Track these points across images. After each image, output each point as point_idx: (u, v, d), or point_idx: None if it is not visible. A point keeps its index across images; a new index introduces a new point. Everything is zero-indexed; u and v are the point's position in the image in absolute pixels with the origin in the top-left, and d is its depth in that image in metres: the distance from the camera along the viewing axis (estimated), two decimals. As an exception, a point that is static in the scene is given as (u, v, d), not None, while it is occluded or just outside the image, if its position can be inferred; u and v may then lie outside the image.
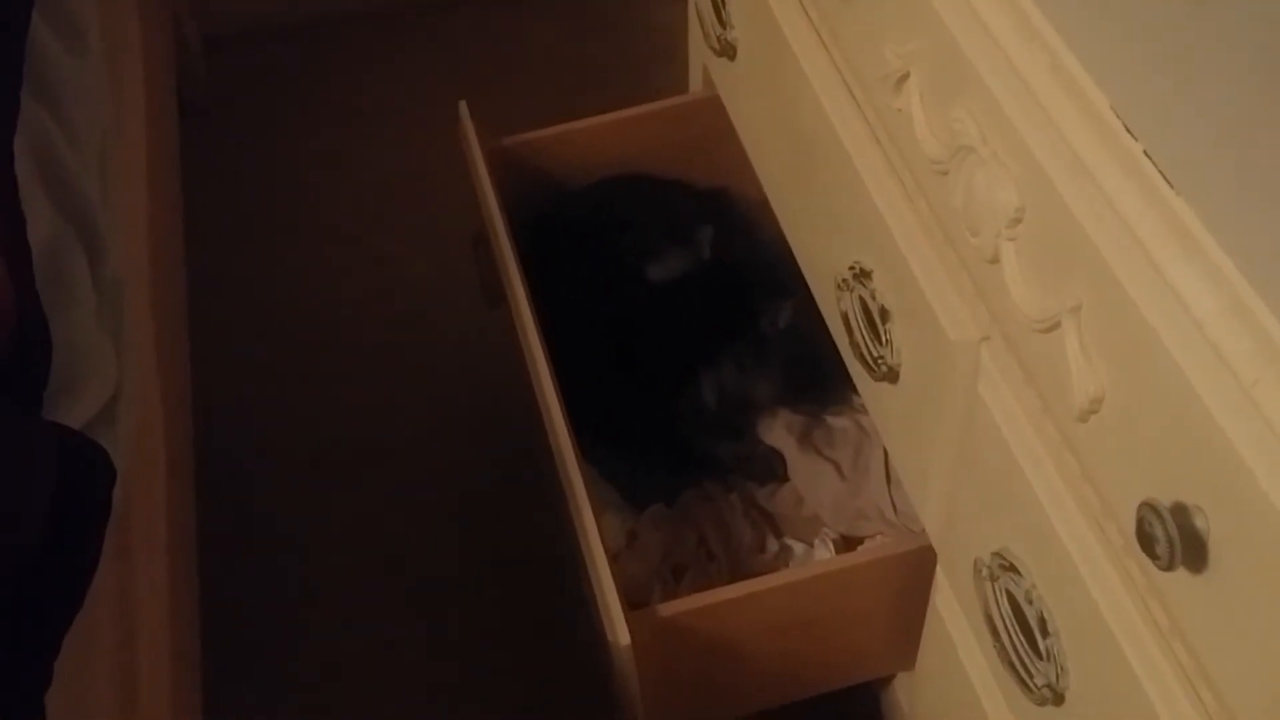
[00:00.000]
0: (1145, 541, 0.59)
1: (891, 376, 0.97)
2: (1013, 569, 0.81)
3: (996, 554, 0.83)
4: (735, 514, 1.25)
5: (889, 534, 1.21)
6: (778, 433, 1.29)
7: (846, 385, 1.33)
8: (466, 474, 1.52)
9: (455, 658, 1.40)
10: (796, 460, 1.28)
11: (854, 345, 1.01)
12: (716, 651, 1.06)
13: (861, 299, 0.99)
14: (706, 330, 1.25)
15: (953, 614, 0.98)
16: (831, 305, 1.05)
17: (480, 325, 1.54)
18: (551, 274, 1.32)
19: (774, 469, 1.29)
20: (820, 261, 1.08)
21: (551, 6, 2.01)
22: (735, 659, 1.08)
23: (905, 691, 1.19)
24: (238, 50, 1.99)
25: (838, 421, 1.30)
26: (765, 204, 1.30)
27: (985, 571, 0.84)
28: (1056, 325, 0.69)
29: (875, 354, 0.97)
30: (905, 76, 0.83)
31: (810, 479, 1.27)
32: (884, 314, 0.96)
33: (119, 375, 0.99)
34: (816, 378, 1.31)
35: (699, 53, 1.41)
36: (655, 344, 1.26)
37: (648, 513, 1.24)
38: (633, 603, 1.15)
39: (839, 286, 1.02)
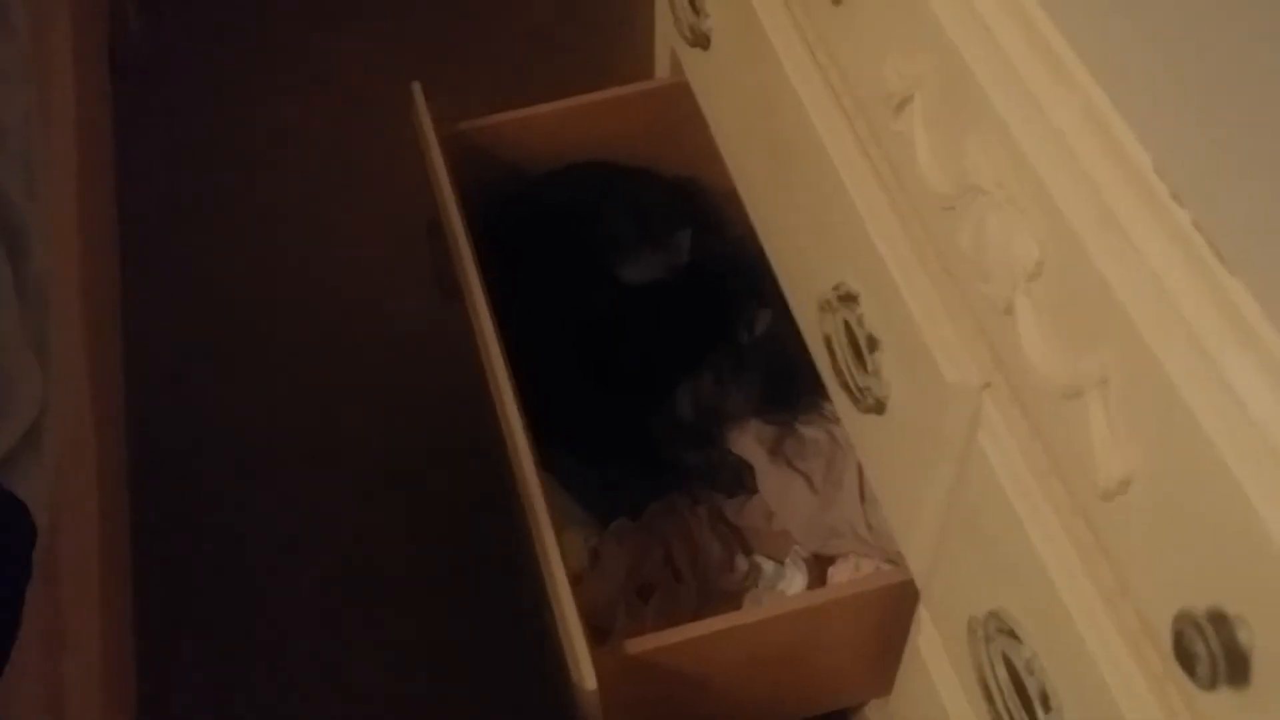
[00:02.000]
0: (1185, 658, 0.54)
1: (878, 408, 0.91)
2: (1011, 634, 0.76)
3: (993, 614, 0.78)
4: (702, 528, 1.19)
5: (863, 553, 1.16)
6: (747, 443, 1.23)
7: (819, 392, 1.28)
8: (419, 473, 1.45)
9: (405, 668, 1.34)
10: (766, 472, 1.22)
11: (837, 371, 0.95)
12: (684, 687, 1.01)
13: (846, 323, 0.93)
14: (682, 337, 1.19)
15: (935, 656, 0.93)
16: (813, 326, 0.99)
17: (436, 315, 1.46)
18: (511, 267, 1.25)
19: (742, 480, 1.24)
20: (801, 278, 1.02)
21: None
22: (704, 694, 1.03)
23: (879, 715, 1.15)
24: (178, 5, 1.89)
25: (809, 431, 1.25)
26: (737, 196, 1.23)
27: (981, 632, 0.79)
28: (1079, 394, 0.63)
29: (861, 384, 0.91)
30: (908, 99, 0.77)
31: (780, 492, 1.22)
32: (872, 343, 0.89)
33: (45, 390, 0.91)
34: (791, 386, 1.25)
35: (667, 37, 1.33)
36: (626, 348, 1.19)
37: (611, 528, 1.18)
38: (596, 627, 1.10)
39: (821, 308, 0.96)
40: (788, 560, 1.18)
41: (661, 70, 1.37)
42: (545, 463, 1.17)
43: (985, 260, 0.70)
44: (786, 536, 1.20)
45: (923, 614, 0.95)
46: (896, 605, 0.97)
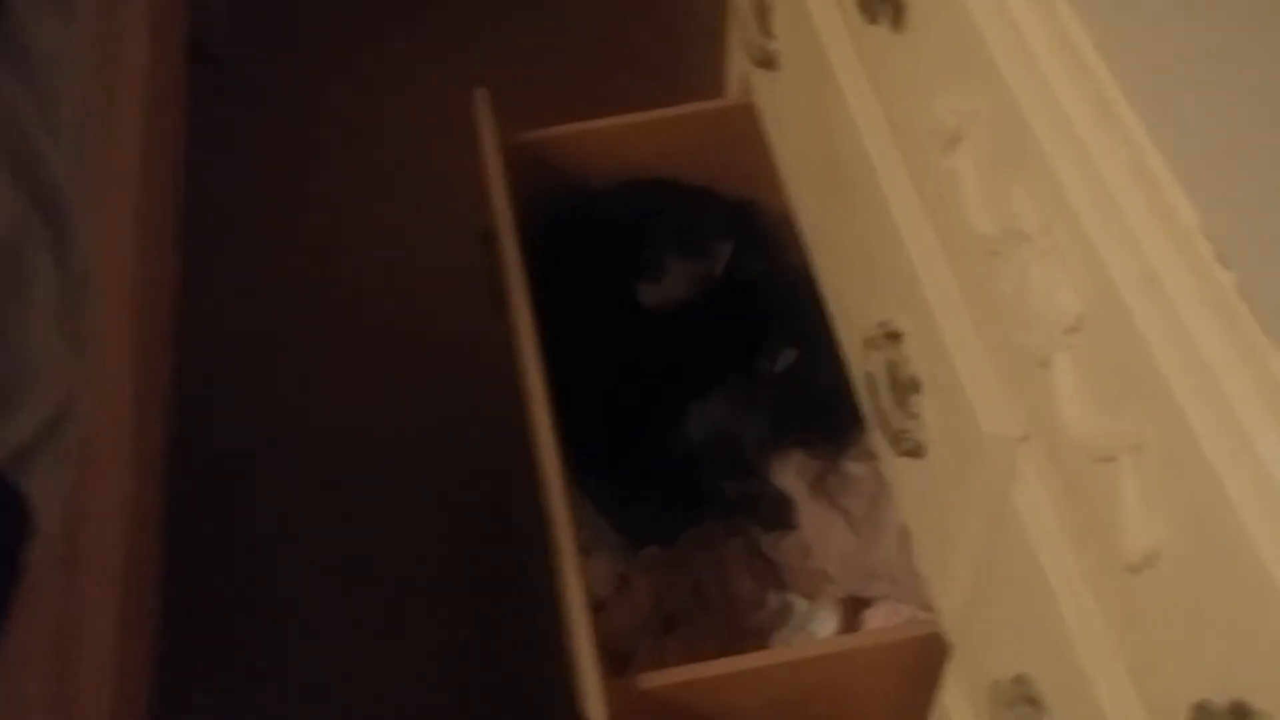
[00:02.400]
0: (1198, 753, 0.50)
1: (915, 451, 0.87)
2: (1034, 702, 0.73)
3: (1018, 679, 0.74)
4: (736, 560, 1.16)
5: (900, 599, 1.12)
6: (789, 476, 1.20)
7: (863, 427, 1.25)
8: (453, 484, 1.44)
9: (425, 678, 1.32)
10: (807, 507, 1.19)
11: (878, 411, 0.92)
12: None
13: (890, 363, 0.90)
14: (710, 357, 1.16)
15: (962, 716, 0.90)
16: (858, 362, 0.96)
17: (486, 326, 1.45)
18: (560, 283, 1.24)
19: (782, 515, 1.20)
20: (849, 311, 0.99)
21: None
22: (721, 734, 1.00)
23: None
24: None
25: (855, 468, 1.21)
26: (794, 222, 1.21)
27: (1004, 697, 0.75)
28: (1113, 458, 0.60)
29: (900, 426, 0.88)
30: (959, 137, 0.74)
31: (819, 529, 1.18)
32: (914, 384, 0.86)
33: (72, 382, 0.90)
34: (833, 416, 1.21)
35: (738, 57, 1.31)
36: (659, 367, 1.17)
37: (641, 555, 1.16)
38: (616, 655, 1.07)
39: (866, 344, 0.93)
40: (821, 600, 1.14)
41: (733, 90, 1.35)
42: (581, 484, 1.15)
43: (1026, 309, 0.67)
44: (823, 576, 1.17)
45: (951, 670, 0.92)
46: (926, 658, 0.94)
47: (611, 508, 1.18)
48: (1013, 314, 0.69)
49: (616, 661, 1.01)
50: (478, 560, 1.38)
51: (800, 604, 1.15)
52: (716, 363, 1.18)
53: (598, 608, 0.97)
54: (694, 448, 1.19)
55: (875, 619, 1.13)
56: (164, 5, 1.43)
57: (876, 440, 0.95)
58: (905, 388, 0.87)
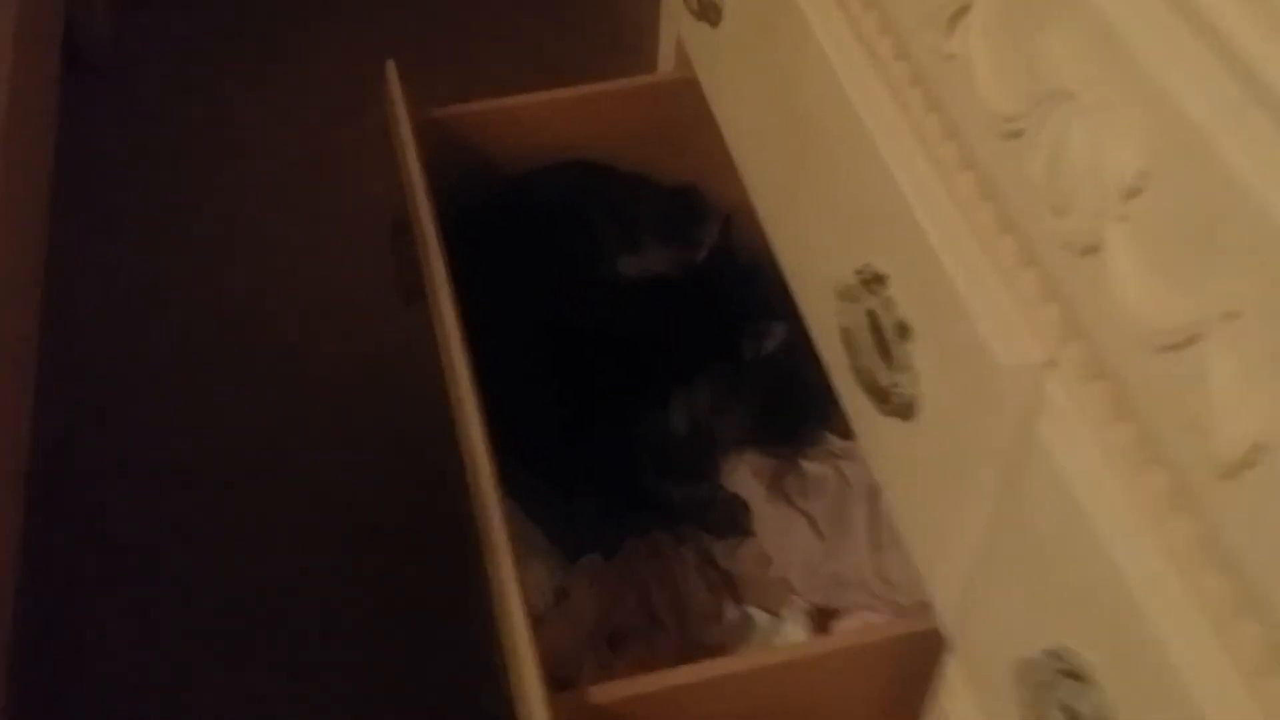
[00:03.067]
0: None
1: (905, 410, 0.76)
2: (1075, 676, 0.60)
3: (1052, 653, 0.62)
4: (687, 571, 1.03)
5: (873, 608, 1.00)
6: (743, 477, 1.08)
7: (824, 424, 1.13)
8: (366, 503, 1.29)
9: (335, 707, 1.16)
10: (764, 511, 1.06)
11: (857, 370, 0.80)
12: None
13: (871, 312, 0.78)
14: (678, 343, 1.04)
15: (966, 717, 0.77)
16: (828, 320, 0.84)
17: (393, 330, 1.32)
18: (483, 269, 1.10)
19: (736, 520, 1.07)
20: (816, 267, 0.87)
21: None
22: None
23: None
24: (151, 6, 1.76)
25: (814, 467, 1.09)
26: (741, 208, 1.09)
27: (1034, 677, 0.62)
28: (1194, 339, 0.48)
29: (887, 381, 0.76)
30: (964, 8, 0.63)
31: (779, 535, 1.06)
32: (902, 330, 0.74)
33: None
34: (794, 413, 1.09)
35: (672, 23, 1.20)
36: (613, 353, 1.04)
37: (580, 565, 1.02)
38: (558, 679, 0.93)
39: (841, 296, 0.81)
40: (785, 611, 1.01)
41: (665, 65, 1.24)
42: (510, 488, 1.01)
43: (1064, 186, 0.55)
44: (785, 585, 1.04)
45: (950, 667, 0.79)
46: (916, 658, 0.81)
47: (544, 513, 1.04)
48: (1043, 200, 0.57)
49: (558, 683, 0.87)
50: (393, 585, 1.23)
51: (761, 617, 1.02)
52: (688, 352, 1.05)
53: (534, 622, 0.83)
54: (669, 445, 1.06)
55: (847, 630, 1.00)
56: (32, 12, 1.29)
57: (855, 406, 0.83)
58: (892, 335, 0.75)
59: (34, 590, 1.06)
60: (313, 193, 1.57)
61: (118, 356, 1.42)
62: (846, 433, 1.12)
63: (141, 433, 1.36)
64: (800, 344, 1.11)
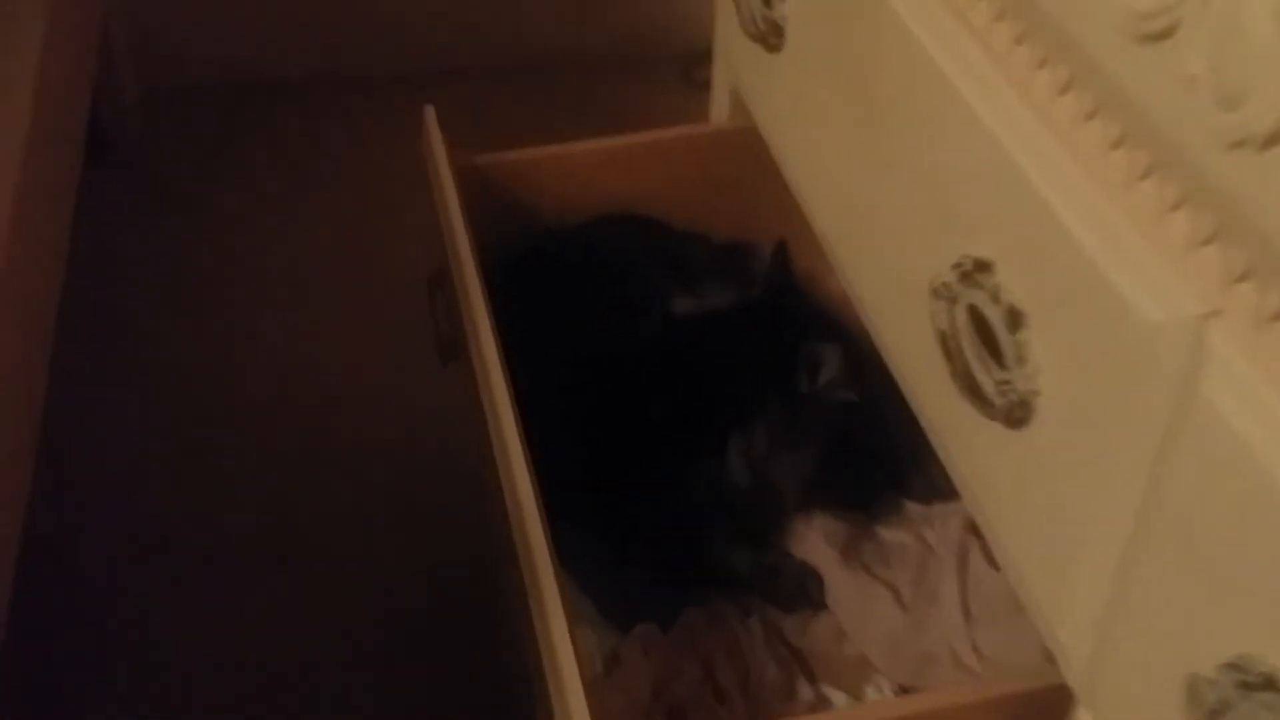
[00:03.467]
0: None
1: (1017, 412, 0.65)
2: (1268, 686, 0.48)
3: (1233, 665, 0.50)
4: (754, 644, 0.91)
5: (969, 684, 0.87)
6: (814, 543, 0.96)
7: (899, 489, 1.02)
8: (398, 589, 1.18)
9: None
10: (839, 581, 0.95)
11: (957, 374, 0.70)
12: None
13: (972, 308, 0.68)
14: (736, 383, 0.94)
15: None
16: (920, 327, 0.74)
17: (421, 412, 1.24)
18: (523, 324, 1.01)
19: (808, 592, 0.96)
20: (902, 276, 0.77)
21: (551, 88, 1.74)
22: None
23: None
24: (184, 104, 1.72)
25: (893, 535, 0.98)
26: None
27: (1215, 695, 0.51)
28: None
29: (997, 379, 0.66)
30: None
31: (857, 607, 0.94)
32: (1014, 318, 0.64)
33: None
34: (863, 465, 0.99)
35: (726, 74, 1.13)
36: (664, 400, 0.94)
37: (635, 633, 0.90)
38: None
39: (935, 294, 0.71)
40: (868, 691, 0.89)
41: (719, 116, 1.16)
42: (559, 556, 0.90)
43: (1238, 72, 0.46)
44: (864, 665, 0.92)
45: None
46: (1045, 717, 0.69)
47: (594, 579, 0.93)
48: (1205, 101, 0.48)
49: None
50: (427, 688, 1.11)
51: (839, 698, 0.89)
52: (738, 389, 0.95)
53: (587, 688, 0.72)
54: (731, 496, 0.95)
55: (937, 712, 0.87)
56: (50, 108, 1.24)
57: (947, 422, 0.73)
58: (1002, 327, 0.65)
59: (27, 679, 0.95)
60: (342, 283, 1.50)
61: (135, 445, 1.33)
62: (926, 499, 1.01)
63: (157, 520, 1.26)
64: (866, 403, 1.02)
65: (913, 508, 1.00)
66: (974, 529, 0.96)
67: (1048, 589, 0.68)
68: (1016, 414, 0.65)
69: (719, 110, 1.16)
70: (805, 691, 0.89)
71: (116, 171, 1.61)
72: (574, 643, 0.72)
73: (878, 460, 1.00)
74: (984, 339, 0.68)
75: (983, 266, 0.67)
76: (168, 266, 1.52)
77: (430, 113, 1.10)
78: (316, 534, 1.23)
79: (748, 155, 1.08)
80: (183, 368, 1.41)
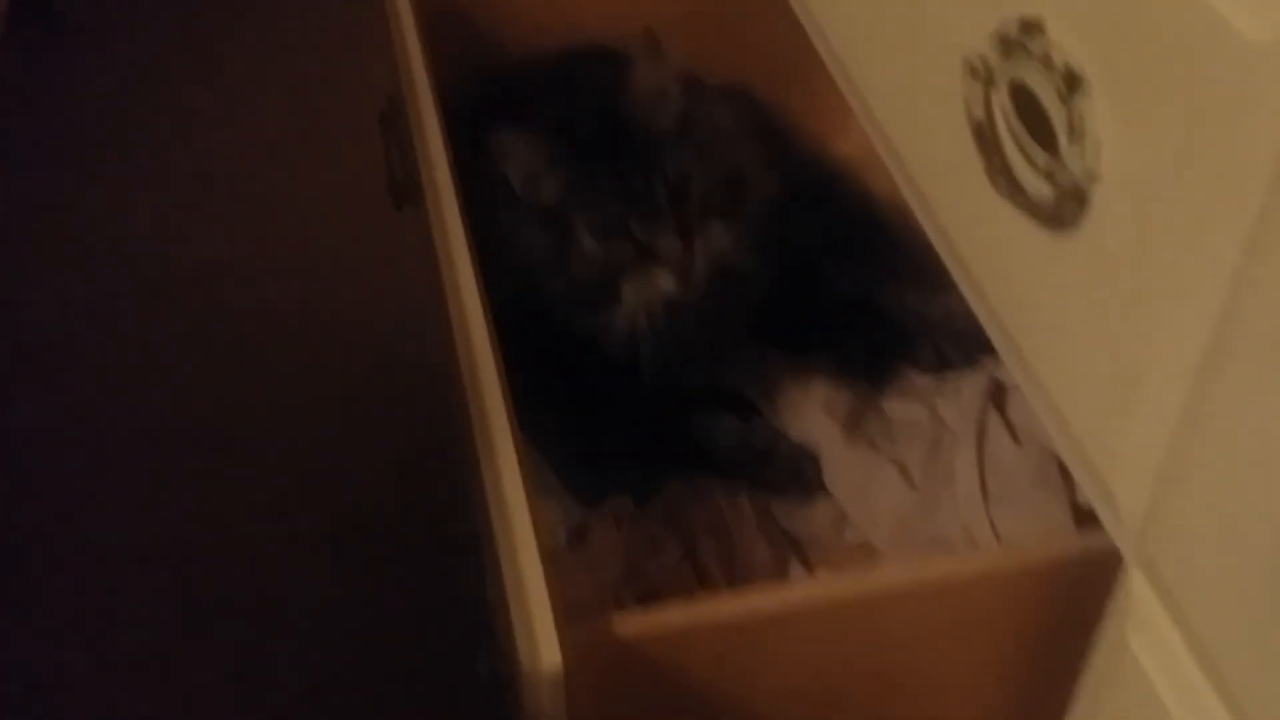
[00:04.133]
0: None
1: (1069, 204, 0.53)
2: None
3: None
4: (743, 521, 0.79)
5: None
6: (813, 415, 0.84)
7: (909, 359, 0.90)
8: (345, 482, 1.06)
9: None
10: (840, 457, 0.83)
11: (995, 171, 0.58)
12: (709, 709, 0.59)
13: (1015, 86, 0.56)
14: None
15: (1167, 656, 0.52)
16: (950, 125, 0.62)
17: (379, 264, 1.12)
18: (483, 173, 0.88)
19: (804, 476, 0.84)
20: (930, 62, 0.65)
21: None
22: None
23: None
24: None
25: (901, 408, 0.86)
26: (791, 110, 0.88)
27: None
28: None
29: (1045, 167, 0.54)
30: None
31: (860, 487, 0.82)
32: (1070, 83, 0.52)
33: None
34: (872, 335, 0.87)
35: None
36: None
37: (607, 505, 0.78)
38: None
39: (972, 74, 0.59)
40: (872, 576, 0.77)
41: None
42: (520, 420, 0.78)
43: None
44: (866, 553, 0.80)
45: (1139, 593, 0.55)
46: (1084, 587, 0.57)
47: (562, 456, 0.81)
48: None
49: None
50: (373, 572, 1.00)
51: (838, 584, 0.77)
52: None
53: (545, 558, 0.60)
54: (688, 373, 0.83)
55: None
56: None
57: (988, 232, 0.60)
58: (1054, 100, 0.53)
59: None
60: (304, 152, 1.38)
61: (63, 319, 1.21)
62: (938, 370, 0.89)
63: (91, 403, 1.14)
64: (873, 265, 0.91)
65: (923, 380, 0.88)
66: (994, 400, 0.84)
67: (1099, 429, 0.56)
68: (1068, 207, 0.53)
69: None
70: (799, 575, 0.77)
71: (69, 46, 1.50)
72: (531, 507, 0.60)
73: (885, 325, 0.88)
74: (1029, 126, 0.56)
75: (1030, 28, 0.55)
76: (112, 134, 1.41)
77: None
78: (258, 415, 1.11)
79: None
80: (122, 238, 1.29)
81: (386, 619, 0.98)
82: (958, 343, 0.89)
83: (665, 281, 0.78)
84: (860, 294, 0.91)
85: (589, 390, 0.82)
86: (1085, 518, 0.76)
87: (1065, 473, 0.79)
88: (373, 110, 1.00)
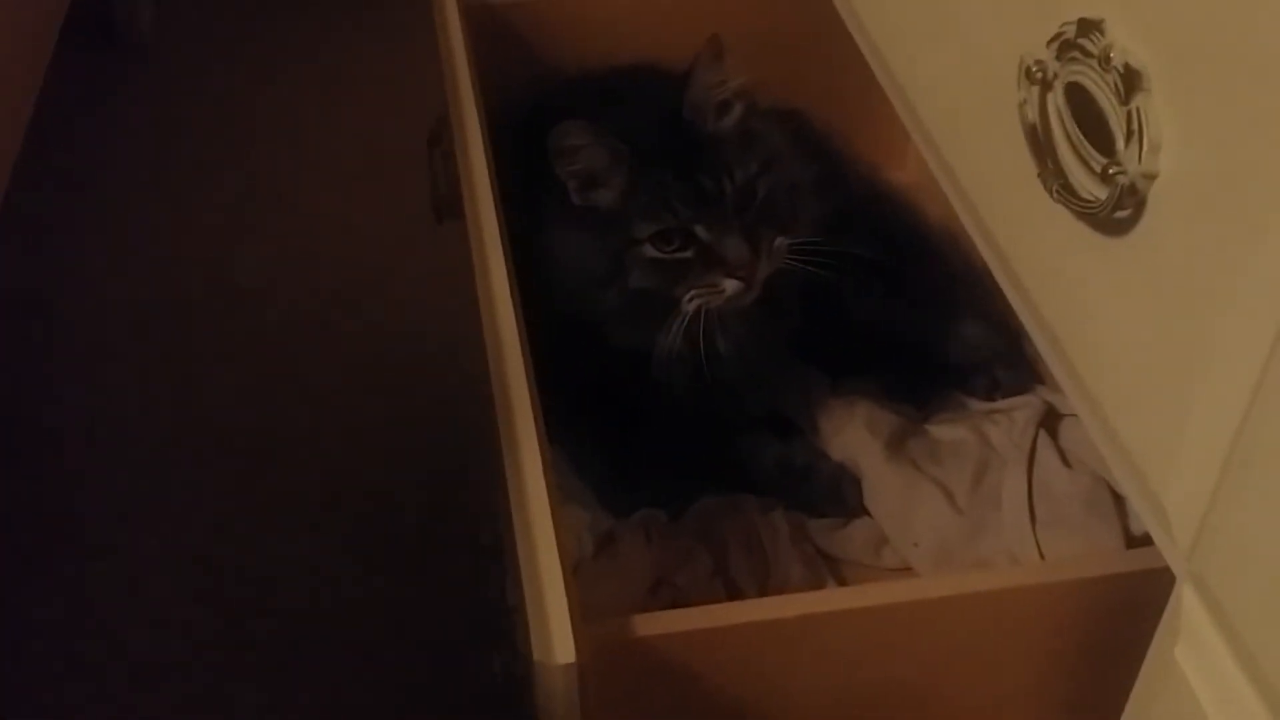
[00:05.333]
0: None
1: (1125, 206, 0.51)
2: None
3: None
4: (778, 539, 0.77)
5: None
6: (854, 432, 0.82)
7: (963, 388, 0.88)
8: (380, 494, 1.05)
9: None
10: (882, 477, 0.81)
11: (1048, 174, 0.56)
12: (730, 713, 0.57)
13: (1073, 85, 0.54)
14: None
15: (1214, 674, 0.50)
16: (1003, 131, 0.60)
17: (423, 290, 1.11)
18: (527, 188, 0.88)
19: (842, 496, 0.82)
20: (984, 69, 0.63)
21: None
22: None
23: None
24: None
25: (948, 431, 0.84)
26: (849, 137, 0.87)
27: None
28: None
29: (1103, 167, 0.52)
30: None
31: (902, 507, 0.80)
32: (1129, 81, 0.51)
33: None
34: (922, 364, 0.85)
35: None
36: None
37: (636, 517, 0.77)
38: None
39: (1028, 77, 0.57)
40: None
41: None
42: (555, 438, 0.77)
43: None
44: (904, 575, 0.78)
45: (1191, 614, 0.52)
46: (1135, 607, 0.55)
47: (594, 467, 0.80)
48: None
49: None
50: (398, 582, 0.99)
51: (875, 607, 0.75)
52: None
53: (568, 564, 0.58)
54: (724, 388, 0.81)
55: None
56: None
57: (1040, 243, 0.59)
58: (1113, 99, 0.51)
59: None
60: (353, 171, 1.38)
61: (113, 326, 1.22)
62: (989, 396, 0.87)
63: (124, 403, 1.14)
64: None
65: (973, 404, 0.86)
66: (1045, 426, 0.82)
67: (1152, 442, 0.53)
68: (1124, 209, 0.51)
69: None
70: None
71: (126, 56, 1.52)
72: (554, 511, 0.58)
73: (934, 355, 0.86)
74: (1085, 130, 0.54)
75: (1089, 28, 0.53)
76: (170, 156, 1.43)
77: (443, -57, 0.97)
78: (296, 428, 1.11)
79: (805, 8, 0.94)
80: (170, 252, 1.30)
81: (413, 627, 0.97)
82: (1012, 372, 0.87)
83: (730, 287, 0.77)
84: (910, 321, 0.89)
85: (628, 405, 0.81)
86: (1136, 544, 0.73)
87: (1117, 499, 0.77)
88: (425, 131, 1.00)
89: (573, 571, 0.68)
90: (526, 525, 0.56)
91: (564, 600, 0.51)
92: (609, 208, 0.79)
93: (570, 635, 0.51)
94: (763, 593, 0.74)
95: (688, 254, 0.76)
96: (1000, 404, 0.84)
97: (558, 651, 0.50)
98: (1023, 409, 0.83)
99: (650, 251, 0.76)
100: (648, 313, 0.79)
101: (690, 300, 0.77)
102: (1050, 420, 0.83)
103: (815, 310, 0.85)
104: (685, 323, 0.77)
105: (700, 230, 0.76)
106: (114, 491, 1.08)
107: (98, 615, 1.00)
